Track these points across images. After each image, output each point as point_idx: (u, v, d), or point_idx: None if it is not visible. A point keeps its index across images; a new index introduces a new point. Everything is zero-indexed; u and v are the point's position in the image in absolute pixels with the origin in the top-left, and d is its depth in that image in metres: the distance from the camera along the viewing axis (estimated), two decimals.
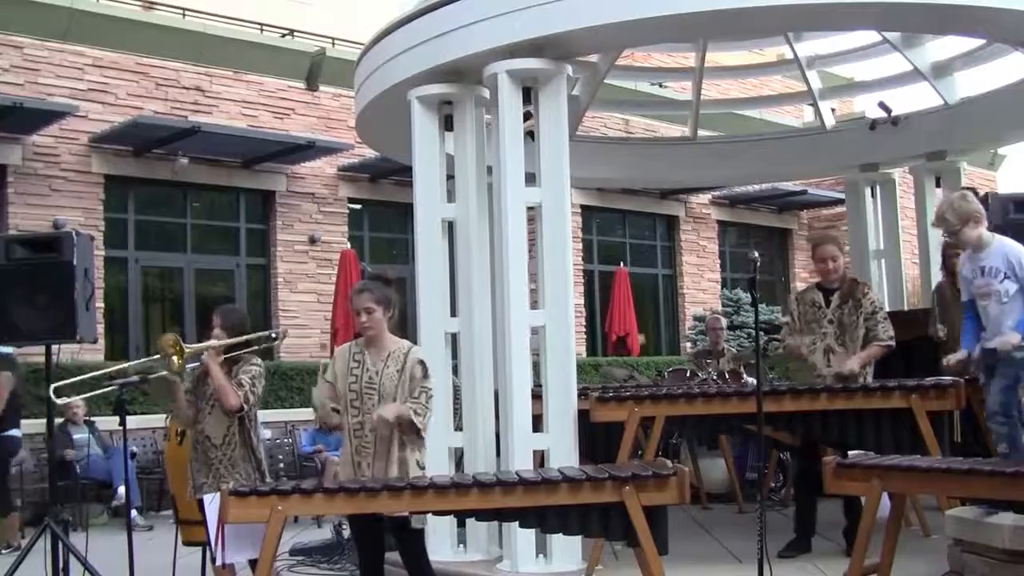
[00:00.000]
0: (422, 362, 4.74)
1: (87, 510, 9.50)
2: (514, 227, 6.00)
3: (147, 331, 13.23)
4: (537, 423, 5.99)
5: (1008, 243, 5.17)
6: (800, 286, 19.22)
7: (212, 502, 4.43)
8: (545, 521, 4.31)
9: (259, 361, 5.42)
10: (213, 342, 5.21)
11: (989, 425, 5.28)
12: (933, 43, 9.24)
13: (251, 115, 13.45)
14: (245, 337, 5.38)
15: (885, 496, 4.57)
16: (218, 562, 4.61)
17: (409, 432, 4.63)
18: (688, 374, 8.77)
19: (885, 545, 4.64)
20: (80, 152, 12.18)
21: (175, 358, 5.07)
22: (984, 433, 6.31)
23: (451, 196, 6.68)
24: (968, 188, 6.00)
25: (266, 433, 5.73)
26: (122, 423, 5.87)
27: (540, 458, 5.97)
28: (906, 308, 9.85)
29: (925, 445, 5.54)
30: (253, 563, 4.93)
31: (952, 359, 5.46)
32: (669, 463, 4.30)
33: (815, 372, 6.14)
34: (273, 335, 5.66)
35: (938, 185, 9.85)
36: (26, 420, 10.20)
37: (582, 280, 16.22)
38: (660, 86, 16.34)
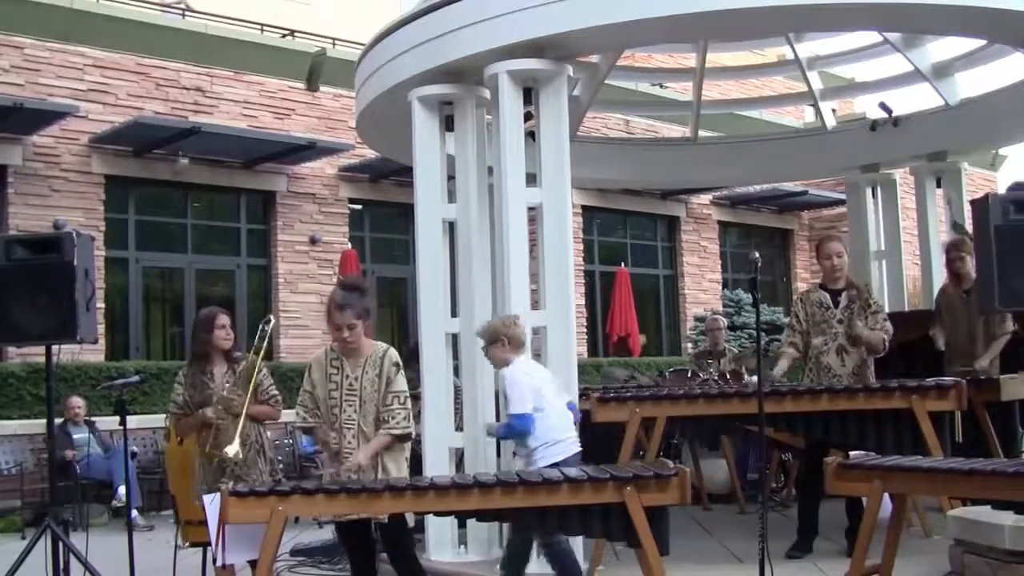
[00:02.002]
0: (397, 364, 4.79)
1: (87, 510, 9.49)
2: (515, 227, 6.00)
3: (148, 331, 13.23)
4: None
5: (508, 370, 5.21)
6: (801, 286, 19.22)
7: (212, 502, 4.42)
8: (546, 521, 4.30)
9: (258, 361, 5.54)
10: (240, 402, 5.33)
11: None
12: (934, 44, 9.24)
13: (251, 115, 13.44)
14: (258, 358, 5.47)
15: (886, 497, 4.57)
16: (218, 562, 4.60)
17: (397, 443, 4.73)
18: (689, 374, 8.77)
19: (886, 546, 4.64)
20: (80, 152, 12.18)
21: (236, 449, 5.24)
22: (986, 433, 6.33)
23: (452, 196, 6.68)
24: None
25: (266, 434, 5.78)
26: (122, 423, 5.88)
27: None
28: (907, 309, 9.85)
29: (926, 445, 5.54)
30: (253, 563, 4.94)
31: None
32: (670, 464, 4.29)
33: (831, 373, 6.14)
34: (265, 328, 5.72)
35: (939, 185, 9.87)
36: (27, 420, 10.22)
37: (583, 281, 16.21)
38: (661, 87, 16.33)
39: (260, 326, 5.60)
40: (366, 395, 4.71)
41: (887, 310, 9.51)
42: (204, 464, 5.42)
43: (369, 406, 4.70)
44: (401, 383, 4.76)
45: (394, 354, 4.84)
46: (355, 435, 4.69)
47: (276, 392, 5.53)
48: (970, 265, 6.92)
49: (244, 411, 5.30)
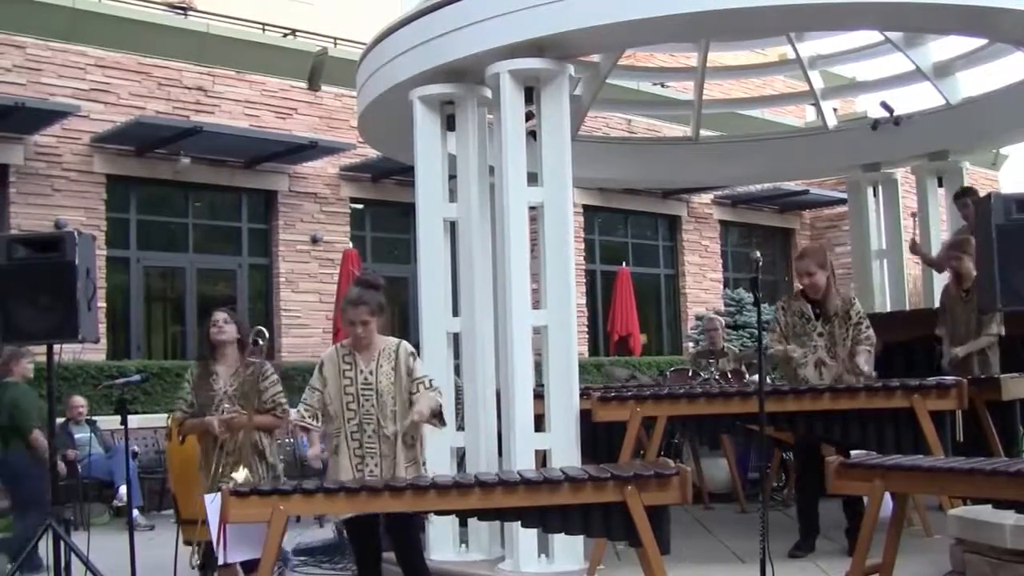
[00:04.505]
0: (413, 354, 4.82)
1: (89, 509, 9.50)
2: (516, 227, 6.00)
3: (149, 331, 13.25)
4: (539, 423, 5.99)
5: None
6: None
7: (213, 502, 4.43)
8: (547, 521, 4.30)
9: (268, 365, 5.50)
10: (241, 421, 5.28)
11: None
12: (935, 43, 9.24)
13: (253, 115, 13.45)
14: (254, 370, 5.43)
15: (887, 496, 4.57)
16: (220, 561, 4.61)
17: (434, 419, 4.70)
18: (690, 373, 8.77)
19: (887, 545, 4.64)
20: (82, 152, 12.19)
21: (245, 475, 5.21)
22: (987, 433, 6.32)
23: (453, 196, 6.68)
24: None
25: (267, 437, 5.81)
26: (123, 422, 5.89)
27: (542, 458, 5.97)
28: (908, 308, 9.85)
29: (927, 445, 5.54)
30: (248, 564, 4.93)
31: None
32: (671, 463, 4.29)
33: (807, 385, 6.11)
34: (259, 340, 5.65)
35: (940, 185, 9.86)
36: None
37: (584, 280, 16.22)
38: (662, 86, 16.34)
39: (252, 339, 5.49)
40: (382, 388, 4.71)
41: (888, 309, 9.55)
42: (202, 467, 5.40)
43: (387, 399, 4.70)
44: (422, 369, 4.79)
45: (408, 346, 4.85)
46: (375, 430, 4.69)
47: (284, 401, 5.43)
48: (968, 264, 6.92)
49: (247, 430, 5.26)
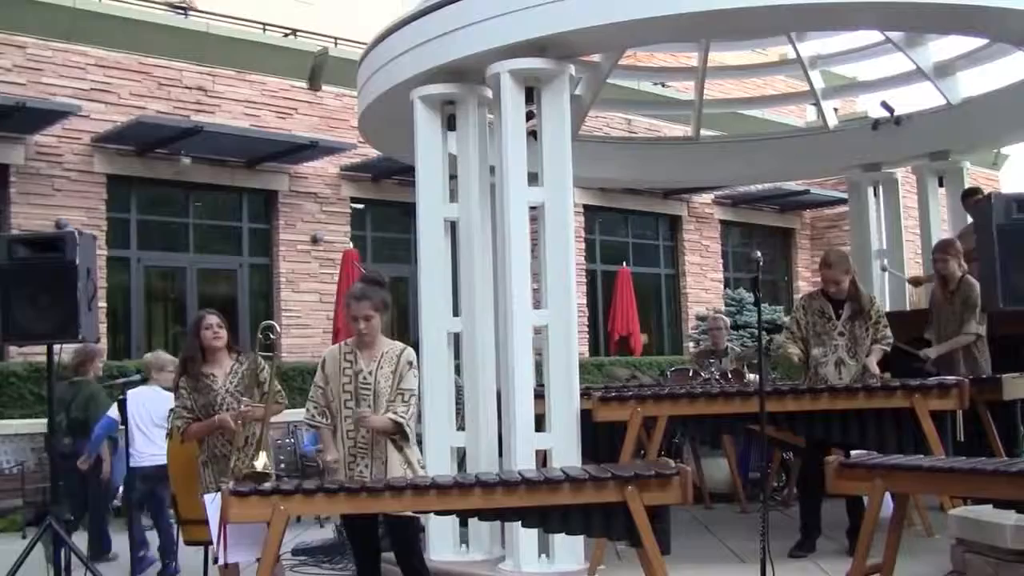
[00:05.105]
0: (411, 362, 4.83)
1: None
2: (516, 227, 6.00)
3: (149, 331, 13.24)
4: (540, 423, 5.99)
5: None
6: (803, 286, 19.23)
7: (213, 501, 4.43)
8: (548, 521, 4.30)
9: (257, 356, 5.56)
10: (256, 412, 5.38)
11: None
12: (935, 43, 9.24)
13: (254, 115, 13.44)
14: (264, 369, 5.51)
15: (888, 496, 4.57)
16: (220, 561, 4.61)
17: (396, 433, 4.72)
18: (691, 373, 8.77)
19: (887, 545, 4.64)
20: (83, 152, 12.18)
21: (264, 462, 5.27)
22: (988, 433, 6.32)
23: (453, 196, 6.68)
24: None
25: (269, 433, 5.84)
26: (124, 422, 5.89)
27: (543, 458, 5.97)
28: (908, 308, 9.85)
29: (928, 445, 5.54)
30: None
31: None
32: (672, 463, 4.29)
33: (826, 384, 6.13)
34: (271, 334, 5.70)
35: (941, 184, 9.87)
36: (28, 420, 10.23)
37: (585, 280, 16.21)
38: (663, 86, 16.33)
39: (263, 333, 5.53)
40: (379, 389, 4.71)
41: (888, 309, 9.55)
42: (208, 463, 5.41)
43: (382, 401, 4.71)
44: (410, 382, 4.79)
45: (410, 353, 4.86)
46: (368, 430, 4.71)
47: (279, 387, 5.52)
48: (952, 266, 6.94)
49: (265, 420, 5.32)
